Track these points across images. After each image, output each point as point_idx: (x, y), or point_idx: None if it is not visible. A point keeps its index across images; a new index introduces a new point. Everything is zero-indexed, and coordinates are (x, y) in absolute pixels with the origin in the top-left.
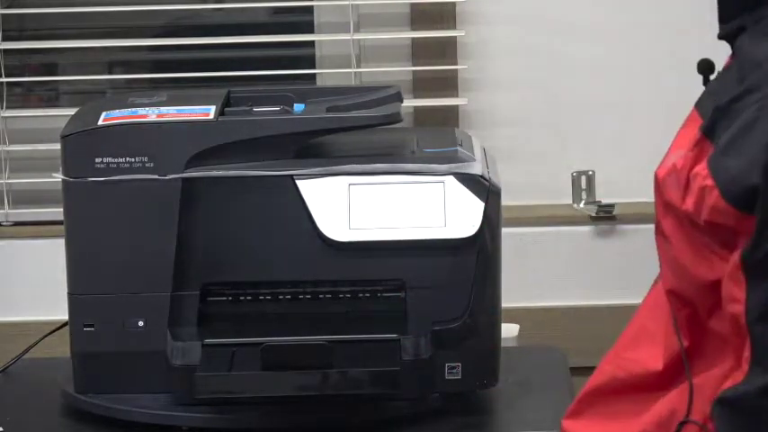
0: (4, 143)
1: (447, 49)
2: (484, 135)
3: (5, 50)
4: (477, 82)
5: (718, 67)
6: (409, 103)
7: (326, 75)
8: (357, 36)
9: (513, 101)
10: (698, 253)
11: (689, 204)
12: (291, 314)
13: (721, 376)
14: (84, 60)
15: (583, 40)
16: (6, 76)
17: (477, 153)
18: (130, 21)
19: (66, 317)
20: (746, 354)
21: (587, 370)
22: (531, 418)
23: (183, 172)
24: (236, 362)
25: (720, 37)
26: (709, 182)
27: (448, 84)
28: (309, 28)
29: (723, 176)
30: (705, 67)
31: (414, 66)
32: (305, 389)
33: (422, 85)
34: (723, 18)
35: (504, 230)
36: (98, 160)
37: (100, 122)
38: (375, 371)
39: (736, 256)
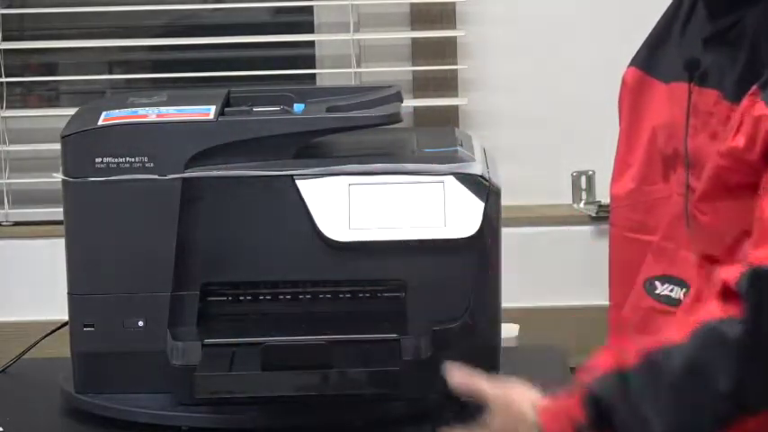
0: (4, 143)
1: (447, 49)
2: (484, 135)
3: (5, 50)
4: (477, 82)
5: None
6: (409, 103)
7: (326, 75)
8: (357, 36)
9: (513, 101)
10: None
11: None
12: (291, 314)
13: None
14: (84, 60)
15: (583, 40)
16: (6, 76)
17: (478, 153)
18: (130, 21)
19: (66, 317)
20: None
21: None
22: None
23: (183, 172)
24: (236, 362)
25: (711, 35)
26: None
27: (448, 84)
28: (309, 28)
29: None
30: (693, 65)
31: (414, 66)
32: (305, 389)
33: (422, 85)
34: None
35: (504, 230)
36: (98, 160)
37: (100, 122)
38: (375, 371)
39: None
